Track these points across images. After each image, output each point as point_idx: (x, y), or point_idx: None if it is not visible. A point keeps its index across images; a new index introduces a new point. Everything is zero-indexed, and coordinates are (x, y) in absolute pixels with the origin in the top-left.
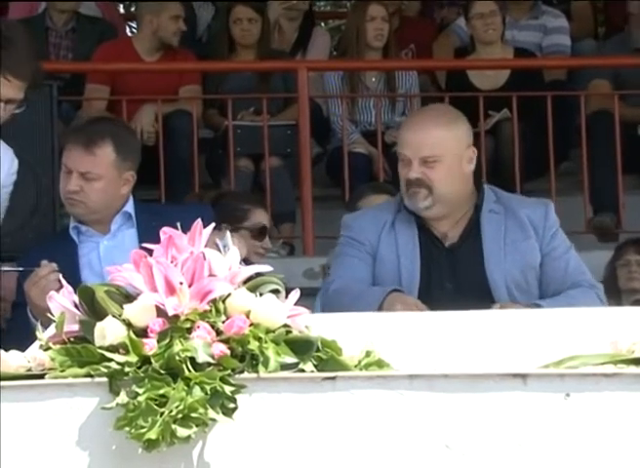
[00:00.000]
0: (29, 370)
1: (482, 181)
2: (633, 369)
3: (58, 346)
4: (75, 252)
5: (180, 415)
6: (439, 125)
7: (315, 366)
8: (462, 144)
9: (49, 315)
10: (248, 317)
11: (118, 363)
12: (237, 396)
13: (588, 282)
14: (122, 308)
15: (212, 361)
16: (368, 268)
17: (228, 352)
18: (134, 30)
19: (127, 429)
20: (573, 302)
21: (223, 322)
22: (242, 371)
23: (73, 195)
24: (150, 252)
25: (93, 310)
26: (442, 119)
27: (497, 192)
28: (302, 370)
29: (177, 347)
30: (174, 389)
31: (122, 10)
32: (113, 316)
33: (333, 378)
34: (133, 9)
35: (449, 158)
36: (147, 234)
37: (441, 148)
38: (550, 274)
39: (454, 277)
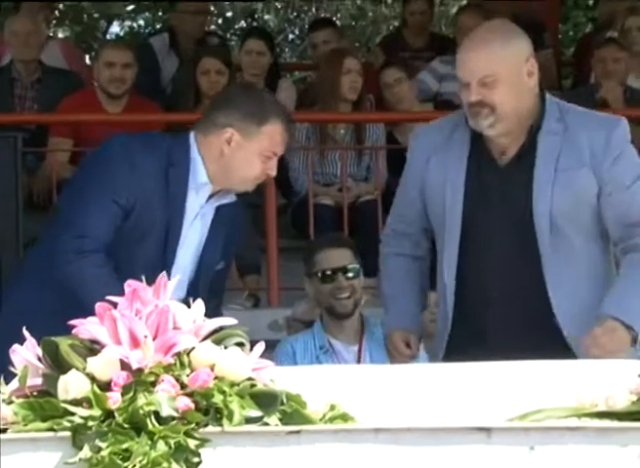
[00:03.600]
0: None
1: (545, 94)
2: (597, 422)
3: (20, 400)
4: (184, 198)
5: None
6: (493, 43)
7: (280, 419)
8: (520, 59)
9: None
10: (212, 370)
11: (81, 417)
12: (201, 450)
13: None
14: (86, 361)
15: (176, 414)
16: (414, 203)
17: (192, 406)
18: None
19: None
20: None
21: (188, 375)
22: (206, 425)
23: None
24: (115, 303)
25: (57, 363)
26: (495, 36)
27: (562, 106)
28: (267, 424)
29: (140, 401)
30: (137, 443)
31: (88, 61)
32: (77, 369)
33: (297, 432)
34: None
35: (506, 76)
36: (213, 226)
37: (497, 67)
38: (611, 210)
39: (501, 198)
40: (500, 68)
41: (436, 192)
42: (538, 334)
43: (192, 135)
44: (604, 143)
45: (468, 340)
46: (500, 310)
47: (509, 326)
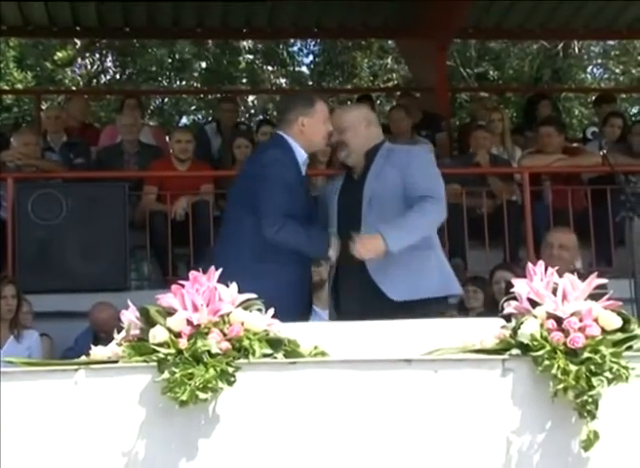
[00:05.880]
0: (110, 357)
1: (384, 141)
2: (475, 355)
3: (126, 343)
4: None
5: (201, 386)
6: (344, 110)
7: (283, 355)
8: (359, 118)
9: (122, 324)
10: (242, 325)
11: (163, 353)
12: (236, 373)
13: (430, 196)
14: (165, 320)
15: (220, 352)
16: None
17: (230, 346)
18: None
19: (168, 394)
20: (406, 220)
21: (228, 328)
22: (239, 358)
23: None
24: (183, 285)
25: (148, 321)
26: (347, 108)
27: (394, 147)
28: (275, 357)
29: (199, 344)
30: (197, 369)
31: (167, 139)
32: (160, 325)
33: (294, 363)
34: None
35: (350, 125)
36: None
37: (344, 120)
38: (407, 193)
39: (353, 195)
40: (346, 121)
41: (329, 199)
42: (358, 278)
43: (281, 133)
44: (405, 159)
45: (336, 286)
46: (344, 264)
47: (349, 274)
